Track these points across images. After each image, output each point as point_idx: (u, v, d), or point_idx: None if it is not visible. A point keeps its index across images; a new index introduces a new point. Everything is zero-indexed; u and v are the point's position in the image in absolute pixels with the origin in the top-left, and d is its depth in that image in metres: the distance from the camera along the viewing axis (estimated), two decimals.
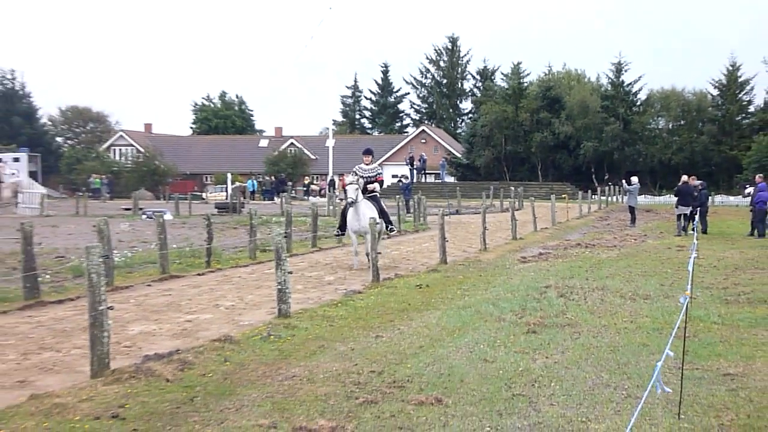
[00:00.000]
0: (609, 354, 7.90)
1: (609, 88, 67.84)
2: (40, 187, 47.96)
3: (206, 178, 71.43)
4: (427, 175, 64.78)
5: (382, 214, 16.28)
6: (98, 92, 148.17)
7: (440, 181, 61.75)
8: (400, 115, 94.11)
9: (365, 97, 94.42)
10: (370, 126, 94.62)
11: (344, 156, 64.16)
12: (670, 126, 69.36)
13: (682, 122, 68.11)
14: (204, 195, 57.37)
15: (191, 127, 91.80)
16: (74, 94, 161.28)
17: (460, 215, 35.74)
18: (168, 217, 25.34)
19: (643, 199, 46.98)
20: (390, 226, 16.88)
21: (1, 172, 42.70)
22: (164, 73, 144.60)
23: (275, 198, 51.59)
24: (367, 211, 15.75)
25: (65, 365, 7.79)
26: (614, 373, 7.14)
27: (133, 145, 75.15)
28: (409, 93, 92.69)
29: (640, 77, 79.51)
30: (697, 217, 23.88)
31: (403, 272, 15.33)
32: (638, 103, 67.57)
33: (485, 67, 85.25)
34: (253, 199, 52.40)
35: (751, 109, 66.94)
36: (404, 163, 61.93)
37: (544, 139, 62.97)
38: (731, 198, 52.15)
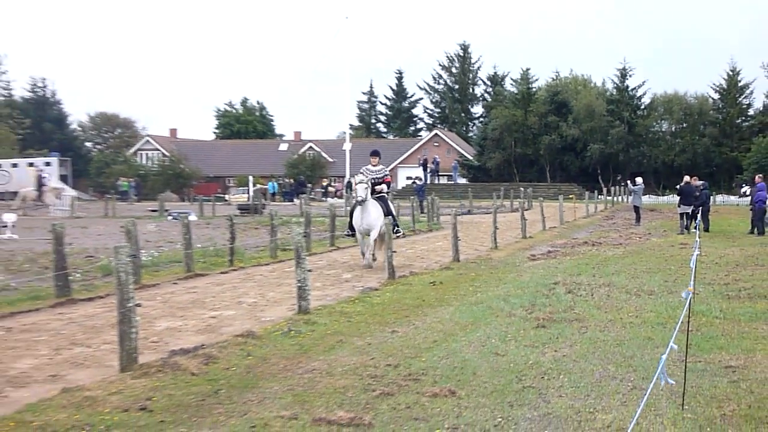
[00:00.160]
0: (615, 347, 8.00)
1: (614, 93, 68.14)
2: (71, 190, 48.65)
3: (229, 180, 71.81)
4: (441, 177, 65.14)
5: (389, 214, 16.01)
6: (126, 99, 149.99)
7: (453, 182, 62.36)
8: (414, 119, 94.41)
9: (380, 103, 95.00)
10: (385, 130, 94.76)
11: (360, 159, 63.51)
12: (673, 129, 69.93)
13: (685, 125, 68.62)
14: (227, 197, 57.71)
15: (214, 132, 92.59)
16: (103, 100, 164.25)
17: (472, 215, 35.80)
18: (192, 218, 25.62)
19: (647, 199, 46.61)
20: (396, 229, 16.18)
21: (41, 177, 43.42)
22: (188, 81, 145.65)
23: (295, 199, 51.71)
24: (373, 210, 15.74)
25: (95, 360, 7.90)
26: (620, 365, 7.24)
27: (159, 150, 75.92)
28: (422, 98, 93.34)
29: (644, 82, 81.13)
30: (699, 216, 23.84)
31: (418, 270, 15.47)
32: (642, 107, 67.84)
33: (495, 73, 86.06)
34: (274, 201, 52.73)
35: (751, 112, 67.54)
36: (418, 165, 62.06)
37: (552, 142, 63.56)
38: (732, 197, 51.81)
